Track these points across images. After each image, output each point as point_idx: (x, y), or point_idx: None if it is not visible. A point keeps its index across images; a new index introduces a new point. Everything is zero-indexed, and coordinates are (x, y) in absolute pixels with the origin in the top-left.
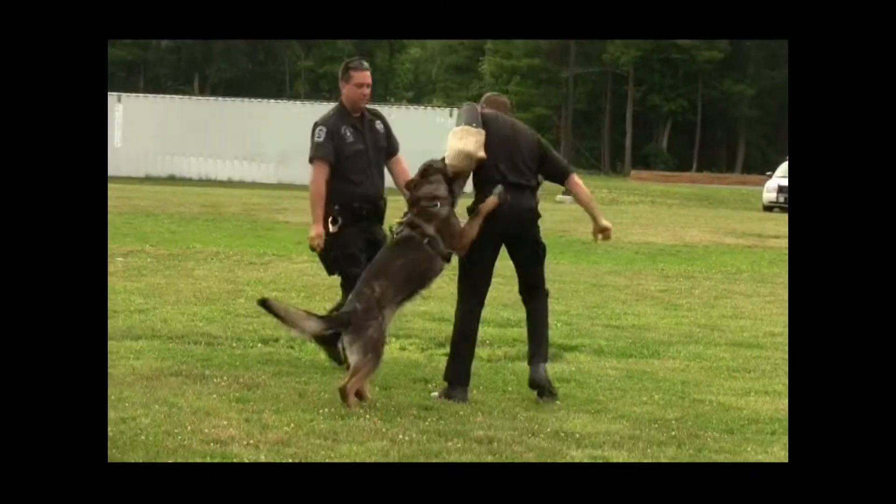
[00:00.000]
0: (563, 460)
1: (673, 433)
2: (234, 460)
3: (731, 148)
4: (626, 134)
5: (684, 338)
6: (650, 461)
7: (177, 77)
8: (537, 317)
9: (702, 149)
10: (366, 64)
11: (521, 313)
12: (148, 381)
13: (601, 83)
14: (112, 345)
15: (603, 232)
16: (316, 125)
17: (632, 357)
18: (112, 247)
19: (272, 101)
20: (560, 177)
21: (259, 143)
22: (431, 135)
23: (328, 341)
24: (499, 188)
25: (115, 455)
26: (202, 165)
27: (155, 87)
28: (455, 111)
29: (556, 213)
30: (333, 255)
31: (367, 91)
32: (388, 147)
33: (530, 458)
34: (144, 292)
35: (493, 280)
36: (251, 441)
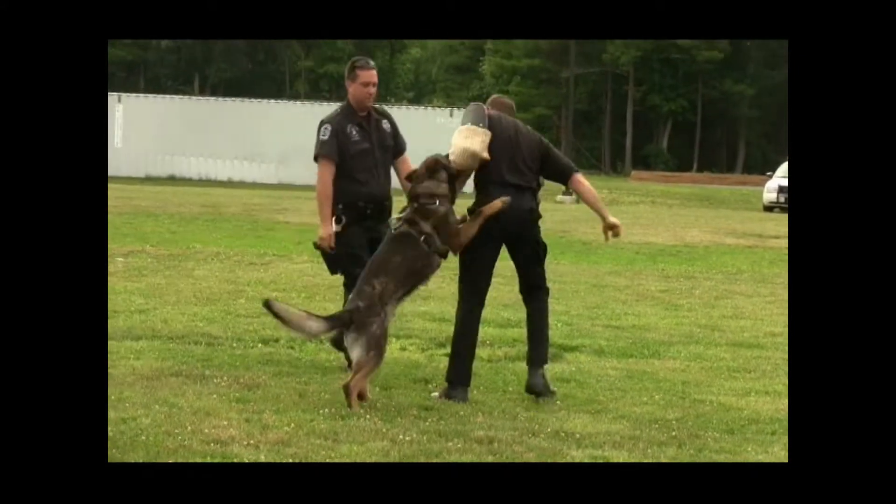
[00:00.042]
0: (564, 460)
1: (673, 433)
2: (235, 460)
3: (732, 148)
4: (626, 134)
5: (685, 338)
6: (650, 461)
7: (177, 77)
8: (537, 318)
9: (702, 149)
10: (372, 63)
11: (521, 313)
12: (148, 382)
13: (601, 83)
14: (112, 345)
15: (612, 229)
16: (322, 123)
17: (632, 357)
18: (112, 247)
19: (272, 101)
20: (563, 176)
21: (259, 143)
22: (432, 135)
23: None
24: (505, 198)
25: (115, 455)
26: (202, 165)
27: (155, 87)
28: (455, 111)
29: (556, 213)
30: (336, 254)
31: (374, 90)
32: (394, 146)
33: (531, 458)
34: (145, 292)
35: (494, 280)
36: (251, 441)
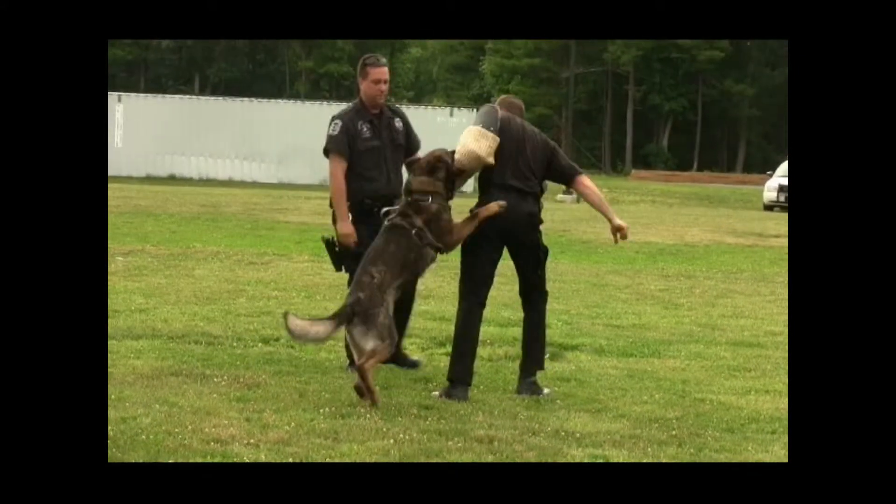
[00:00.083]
0: (564, 459)
1: (673, 432)
2: (235, 460)
3: (732, 147)
4: (626, 133)
5: (685, 337)
6: (651, 460)
7: (177, 77)
8: (533, 325)
9: (702, 148)
10: (383, 60)
11: (521, 313)
12: (148, 381)
13: (602, 83)
14: (112, 344)
15: (619, 231)
16: (333, 118)
17: (632, 356)
18: (112, 246)
19: (272, 100)
20: (567, 179)
21: (259, 142)
22: (432, 134)
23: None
24: (502, 202)
25: (115, 454)
26: (203, 165)
27: (155, 86)
28: (455, 111)
29: (556, 212)
30: (342, 252)
31: (385, 87)
32: (407, 145)
33: (531, 457)
34: (145, 292)
35: (494, 280)
36: (252, 440)
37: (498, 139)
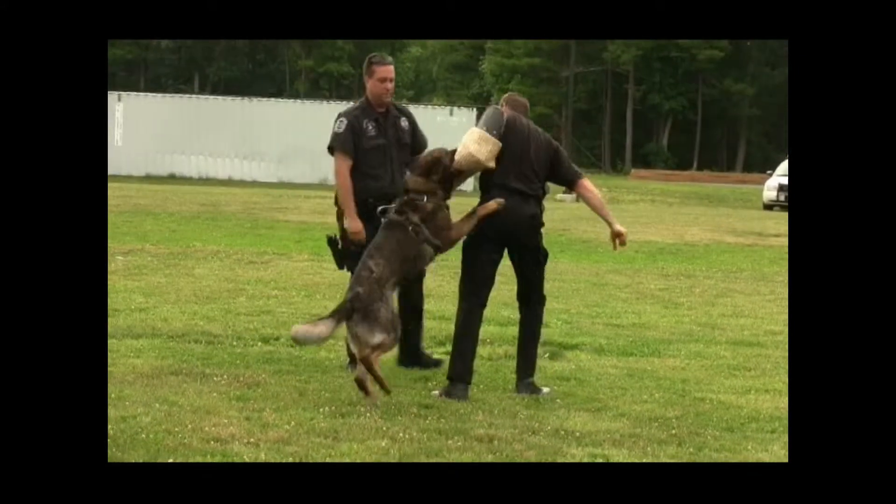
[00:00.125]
0: (564, 459)
1: (673, 431)
2: (235, 459)
3: (732, 146)
4: (626, 133)
5: (685, 336)
6: (650, 459)
7: (177, 76)
8: (528, 330)
9: (702, 147)
10: (389, 58)
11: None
12: (148, 380)
13: (601, 82)
14: (112, 343)
15: (618, 237)
16: (338, 116)
17: (632, 355)
18: (112, 245)
19: (272, 100)
20: (570, 182)
21: (259, 142)
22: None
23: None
24: (500, 199)
25: (115, 453)
26: (202, 164)
27: (155, 86)
28: (455, 110)
29: (556, 211)
30: (345, 250)
31: (391, 85)
32: (413, 144)
33: (530, 456)
34: (145, 291)
35: (495, 280)
36: (251, 439)
37: (500, 144)
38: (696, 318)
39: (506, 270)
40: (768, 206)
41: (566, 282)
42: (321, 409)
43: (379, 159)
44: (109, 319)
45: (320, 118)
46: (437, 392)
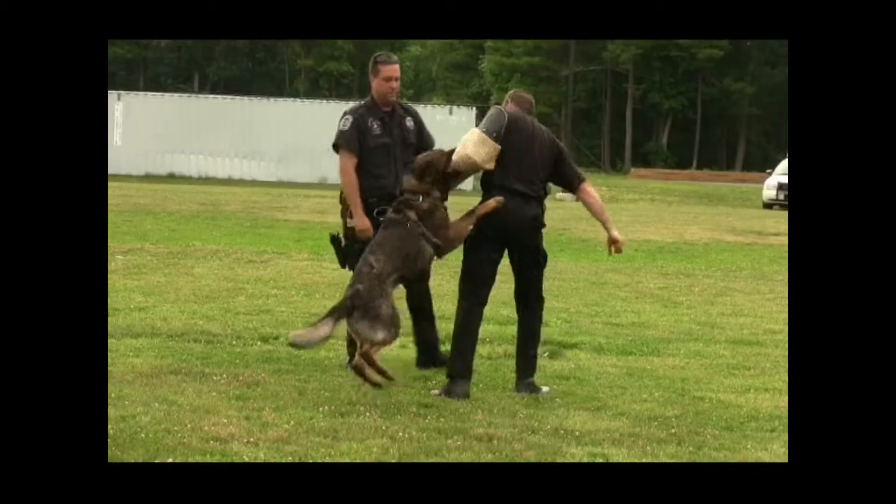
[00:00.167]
0: (563, 458)
1: (673, 430)
2: (234, 458)
3: (731, 146)
4: (625, 132)
5: (684, 335)
6: (650, 458)
7: (177, 75)
8: (528, 329)
9: (702, 146)
10: (394, 57)
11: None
12: (148, 379)
13: (601, 81)
14: (112, 343)
15: (614, 243)
16: (344, 113)
17: (632, 354)
18: (112, 245)
19: (272, 99)
20: (571, 185)
21: (259, 141)
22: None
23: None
24: (499, 198)
25: (114, 453)
26: (202, 163)
27: (155, 85)
28: (455, 109)
29: (556, 211)
30: (348, 249)
31: (396, 84)
32: (418, 144)
33: (530, 455)
34: (144, 290)
35: (496, 280)
36: (251, 439)
37: (499, 147)
38: (695, 317)
39: (505, 269)
40: (768, 205)
41: (566, 281)
42: (320, 409)
43: (383, 158)
44: (109, 319)
45: (320, 117)
46: (436, 391)
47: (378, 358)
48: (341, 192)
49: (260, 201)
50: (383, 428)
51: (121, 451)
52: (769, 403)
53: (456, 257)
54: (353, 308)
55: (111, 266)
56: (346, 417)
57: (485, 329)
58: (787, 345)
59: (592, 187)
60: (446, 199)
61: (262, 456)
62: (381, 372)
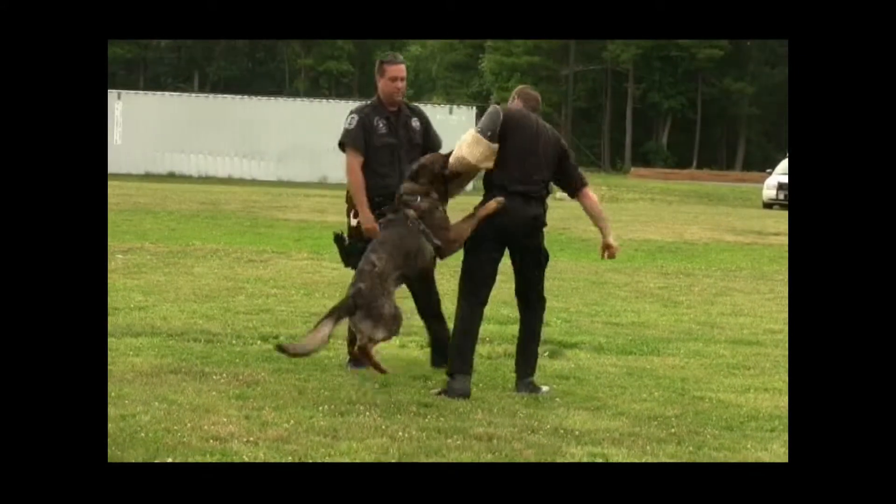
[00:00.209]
0: (563, 457)
1: (672, 430)
2: (234, 457)
3: (731, 145)
4: (625, 131)
5: (684, 335)
6: (650, 458)
7: (176, 75)
8: (528, 329)
9: (702, 146)
10: (400, 58)
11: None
12: (147, 378)
13: (601, 81)
14: (112, 342)
15: (607, 249)
16: (350, 112)
17: (631, 354)
18: (112, 244)
19: (272, 98)
20: (572, 188)
21: (259, 140)
22: None
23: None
24: (500, 198)
25: (114, 452)
26: (202, 163)
27: (155, 84)
28: (455, 108)
29: (556, 210)
30: (351, 248)
31: (402, 85)
32: (425, 144)
33: (530, 455)
34: (144, 289)
35: (496, 279)
36: (251, 438)
37: (493, 146)
38: (695, 317)
39: (506, 269)
40: (768, 205)
41: (565, 280)
42: (320, 408)
43: (388, 158)
44: (109, 318)
45: (320, 117)
46: (436, 391)
47: (374, 352)
48: (348, 191)
49: (260, 200)
50: (383, 427)
51: (120, 450)
52: (769, 403)
53: (456, 257)
54: (356, 307)
55: (111, 265)
56: (346, 417)
57: (485, 328)
58: (786, 344)
59: (593, 192)
60: (447, 201)
61: (261, 455)
62: (376, 366)
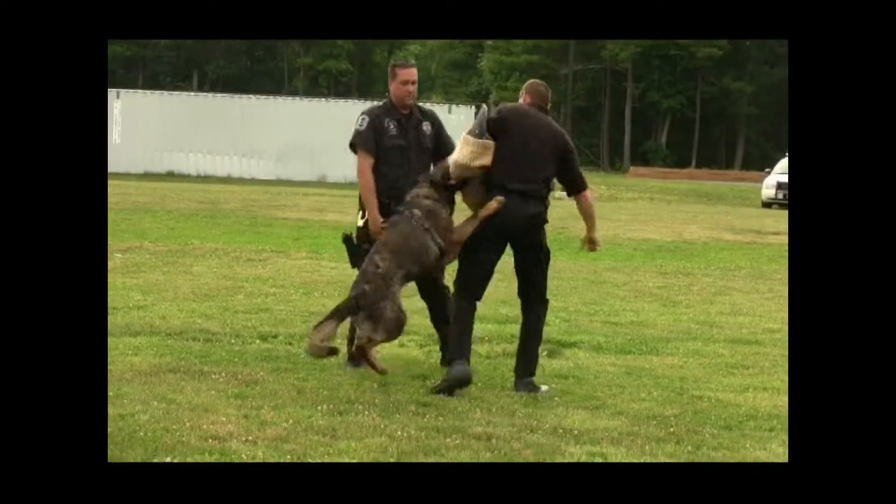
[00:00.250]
0: (562, 457)
1: (671, 429)
2: (233, 456)
3: (730, 144)
4: (624, 130)
5: (683, 334)
6: (648, 457)
7: (175, 73)
8: (527, 329)
9: (701, 145)
10: (411, 62)
11: (518, 310)
12: (146, 378)
13: (600, 80)
14: (111, 341)
15: (591, 243)
16: (361, 113)
17: (630, 353)
18: (111, 243)
19: (271, 97)
20: (571, 189)
21: (258, 139)
22: None
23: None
24: (500, 198)
25: (113, 451)
26: (201, 162)
27: (154, 83)
28: (454, 108)
29: (555, 210)
30: (359, 249)
31: (413, 88)
32: (435, 148)
33: (528, 454)
34: (143, 288)
35: (493, 278)
36: (249, 437)
37: (482, 142)
38: (694, 317)
39: (505, 268)
40: (767, 204)
41: (564, 279)
42: (319, 407)
43: (397, 160)
44: (108, 317)
45: (319, 116)
46: (435, 386)
47: (372, 351)
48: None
49: (259, 199)
50: (382, 426)
51: (119, 449)
52: (768, 402)
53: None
54: (359, 308)
55: (110, 264)
56: (345, 416)
57: (484, 328)
58: (785, 344)
59: (592, 196)
60: (452, 208)
61: (260, 454)
62: (373, 366)
